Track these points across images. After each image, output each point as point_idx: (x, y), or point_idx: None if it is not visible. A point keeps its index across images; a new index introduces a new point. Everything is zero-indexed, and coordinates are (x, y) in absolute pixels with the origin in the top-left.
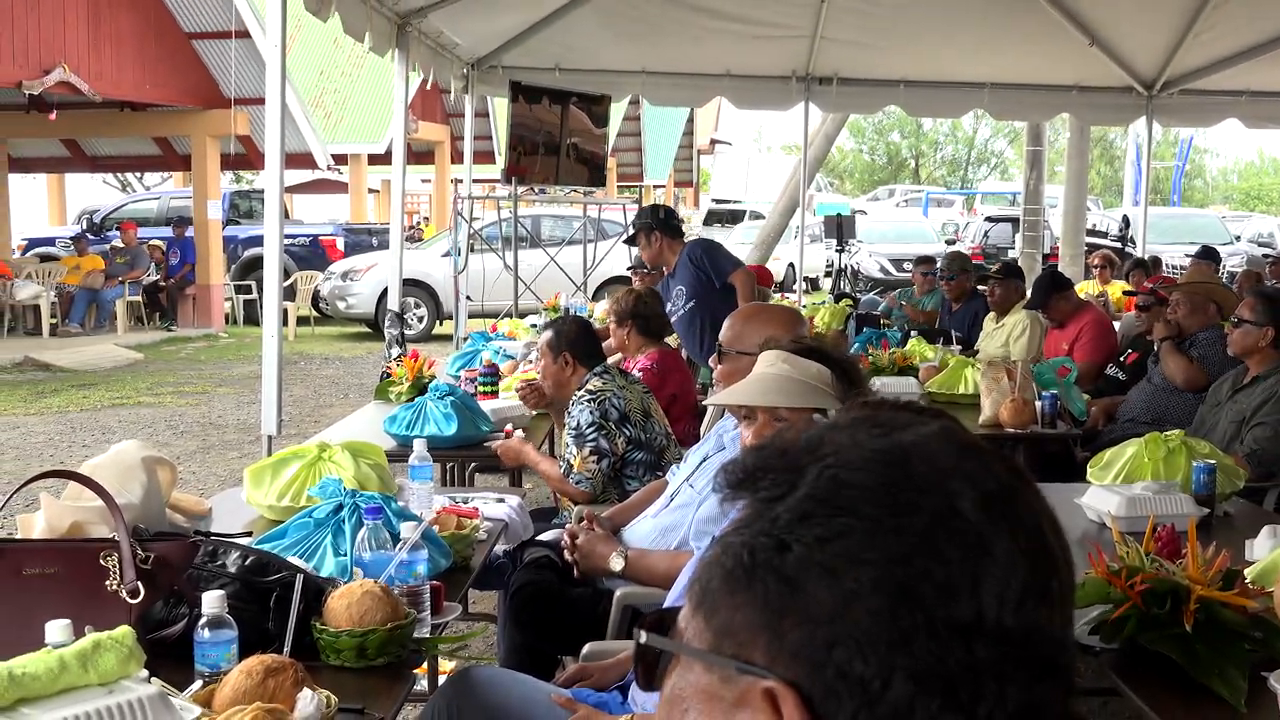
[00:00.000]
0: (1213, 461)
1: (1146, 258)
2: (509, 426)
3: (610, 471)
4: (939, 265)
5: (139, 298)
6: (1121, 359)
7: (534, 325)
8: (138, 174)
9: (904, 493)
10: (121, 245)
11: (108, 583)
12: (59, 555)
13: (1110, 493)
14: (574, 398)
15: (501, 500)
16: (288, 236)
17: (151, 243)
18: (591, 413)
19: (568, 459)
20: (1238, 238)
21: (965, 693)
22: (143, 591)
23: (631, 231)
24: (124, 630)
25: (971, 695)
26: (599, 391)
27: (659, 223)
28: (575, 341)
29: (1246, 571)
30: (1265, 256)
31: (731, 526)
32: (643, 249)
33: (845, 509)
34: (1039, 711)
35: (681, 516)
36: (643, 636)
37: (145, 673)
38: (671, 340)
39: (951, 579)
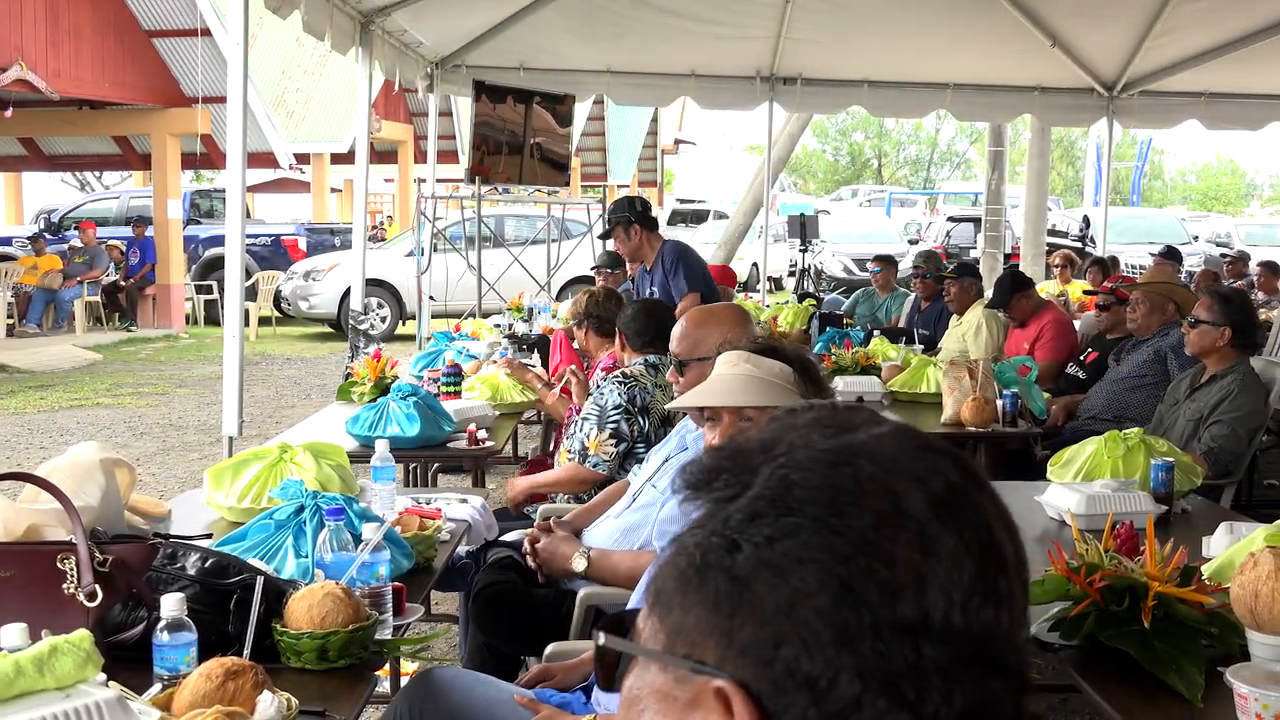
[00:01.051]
0: (1171, 459)
1: (1106, 257)
2: (471, 427)
3: (622, 456)
4: (914, 263)
5: (98, 298)
6: (1081, 358)
7: (497, 325)
8: (97, 173)
9: (848, 493)
10: (80, 245)
11: (65, 586)
12: (15, 558)
13: (1070, 490)
14: (609, 376)
15: (464, 501)
16: (249, 236)
17: (110, 242)
18: (620, 395)
19: (582, 440)
20: (1196, 238)
21: (912, 691)
22: (100, 594)
23: (608, 226)
24: (81, 634)
25: (919, 694)
26: (632, 378)
27: (638, 215)
28: (627, 323)
29: (1204, 568)
30: (1223, 256)
31: (686, 527)
32: (621, 243)
33: (793, 509)
34: (988, 710)
35: (644, 517)
36: (601, 638)
37: (103, 676)
38: None
39: (897, 579)
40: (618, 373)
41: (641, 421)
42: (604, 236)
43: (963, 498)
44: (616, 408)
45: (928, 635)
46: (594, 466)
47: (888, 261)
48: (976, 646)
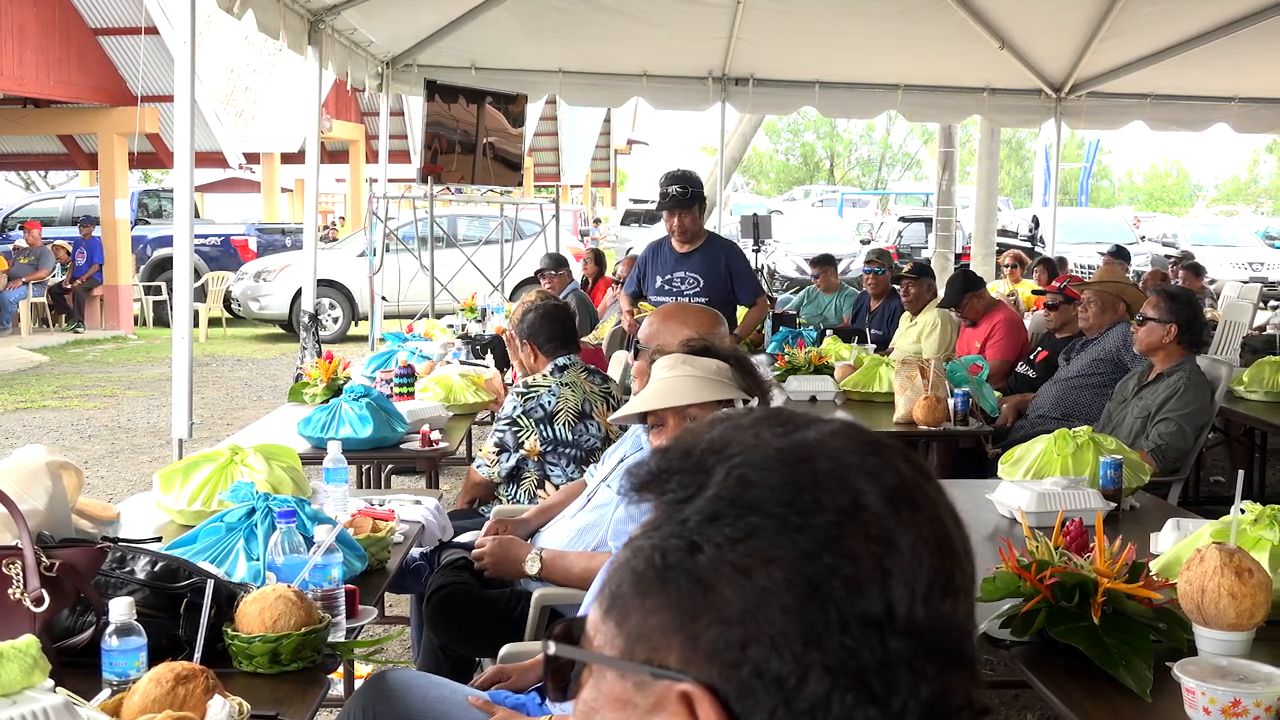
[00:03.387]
0: (1119, 457)
1: (1054, 257)
2: (425, 428)
3: (512, 467)
4: (868, 257)
5: (44, 299)
6: (1032, 357)
7: (450, 326)
8: (42, 173)
9: (809, 490)
10: (25, 245)
11: (10, 591)
12: None
13: (1020, 488)
14: (513, 386)
15: (418, 502)
16: (199, 236)
17: (57, 243)
18: (515, 407)
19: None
20: (1143, 238)
21: (880, 685)
22: (47, 599)
23: (683, 198)
24: (28, 640)
25: (886, 688)
26: (531, 387)
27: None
28: (535, 332)
29: (1152, 564)
30: (1168, 256)
31: (641, 530)
32: (695, 219)
33: (754, 508)
34: (948, 700)
35: (599, 517)
36: (551, 647)
37: (50, 682)
38: (589, 338)
39: (860, 574)
40: (519, 383)
41: (544, 430)
42: (681, 206)
43: (915, 491)
44: (505, 418)
45: (893, 629)
46: (476, 467)
47: (826, 262)
48: (938, 638)
